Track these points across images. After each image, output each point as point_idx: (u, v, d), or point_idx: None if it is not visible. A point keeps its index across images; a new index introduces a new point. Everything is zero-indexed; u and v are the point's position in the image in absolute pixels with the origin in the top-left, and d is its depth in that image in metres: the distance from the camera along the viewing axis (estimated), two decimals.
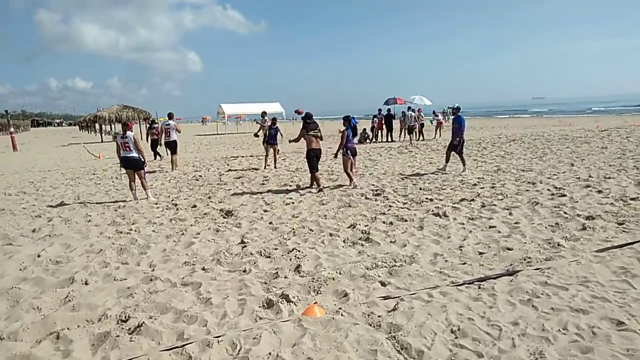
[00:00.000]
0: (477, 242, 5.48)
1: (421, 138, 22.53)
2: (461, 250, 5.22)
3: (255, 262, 5.07)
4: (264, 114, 16.48)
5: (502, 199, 7.71)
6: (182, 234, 6.41)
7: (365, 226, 6.32)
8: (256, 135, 15.36)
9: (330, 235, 6.01)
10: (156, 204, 8.62)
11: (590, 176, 9.43)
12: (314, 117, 9.73)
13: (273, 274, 4.72)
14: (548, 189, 8.32)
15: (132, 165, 8.78)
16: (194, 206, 8.27)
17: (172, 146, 14.04)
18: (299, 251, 5.33)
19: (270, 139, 13.68)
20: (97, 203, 9.03)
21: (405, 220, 6.61)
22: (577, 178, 9.32)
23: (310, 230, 6.30)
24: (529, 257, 4.81)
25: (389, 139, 22.66)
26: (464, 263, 4.81)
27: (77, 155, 21.24)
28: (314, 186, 9.68)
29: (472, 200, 7.78)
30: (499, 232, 5.84)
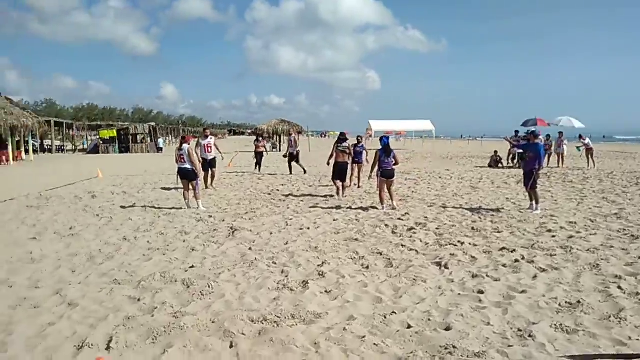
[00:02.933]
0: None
1: (560, 164, 18.98)
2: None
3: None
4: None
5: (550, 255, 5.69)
6: (191, 250, 6.02)
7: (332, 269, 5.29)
8: (285, 156, 16.05)
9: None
10: (198, 215, 8.58)
11: None
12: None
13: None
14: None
15: (186, 176, 9.16)
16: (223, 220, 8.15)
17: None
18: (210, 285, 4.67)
19: (356, 157, 13.11)
20: (155, 207, 9.60)
21: (390, 266, 5.31)
22: None
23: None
24: None
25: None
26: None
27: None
28: (342, 194, 10.78)
29: (513, 250, 5.93)
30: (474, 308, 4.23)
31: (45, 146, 37.26)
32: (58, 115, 74.20)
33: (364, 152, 13.22)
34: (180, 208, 9.18)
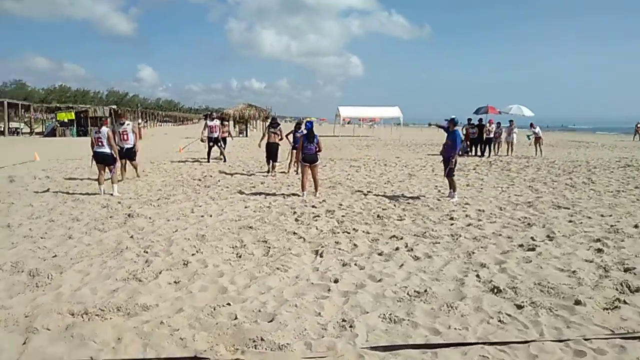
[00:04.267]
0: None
1: (509, 153, 19.32)
2: None
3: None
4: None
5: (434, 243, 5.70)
6: (68, 237, 5.81)
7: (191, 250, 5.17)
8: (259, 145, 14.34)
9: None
10: (108, 201, 8.37)
11: None
12: None
13: None
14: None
15: (104, 160, 8.92)
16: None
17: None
18: None
19: (296, 142, 12.99)
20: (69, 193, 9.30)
21: (265, 255, 5.22)
22: None
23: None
24: None
25: (478, 154, 19.71)
26: None
27: (172, 146, 22.97)
28: (271, 173, 12.17)
29: (401, 238, 5.92)
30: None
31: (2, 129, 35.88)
32: (28, 97, 71.60)
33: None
34: (95, 194, 8.90)
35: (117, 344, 3.04)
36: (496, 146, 20.05)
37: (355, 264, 4.87)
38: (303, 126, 10.12)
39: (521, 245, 5.74)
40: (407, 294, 4.11)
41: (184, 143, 25.92)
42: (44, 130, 37.11)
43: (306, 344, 3.12)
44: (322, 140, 9.24)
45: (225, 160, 15.44)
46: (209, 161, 15.25)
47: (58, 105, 40.78)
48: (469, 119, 20.99)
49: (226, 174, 12.48)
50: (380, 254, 5.27)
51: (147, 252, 5.16)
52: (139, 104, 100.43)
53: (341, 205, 8.19)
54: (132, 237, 5.80)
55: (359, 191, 9.82)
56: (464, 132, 20.52)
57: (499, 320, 3.59)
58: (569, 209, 8.13)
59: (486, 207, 8.20)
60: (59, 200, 8.31)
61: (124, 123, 10.61)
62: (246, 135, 40.81)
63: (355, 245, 5.61)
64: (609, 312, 3.79)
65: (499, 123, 20.23)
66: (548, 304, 3.91)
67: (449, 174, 9.12)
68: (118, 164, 9.50)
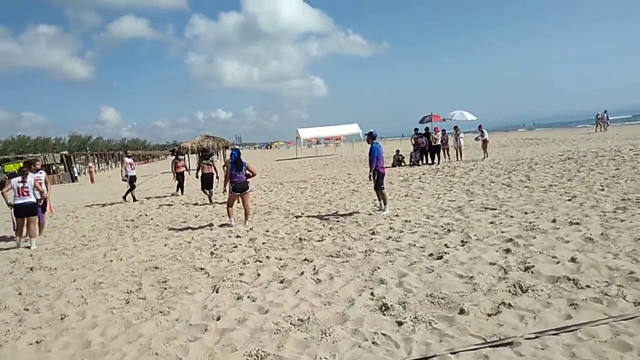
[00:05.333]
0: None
1: (458, 158, 19.60)
2: None
3: None
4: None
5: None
6: None
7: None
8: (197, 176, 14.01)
9: None
10: (20, 254, 7.91)
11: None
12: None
13: None
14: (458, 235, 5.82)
15: (28, 212, 8.33)
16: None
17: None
18: None
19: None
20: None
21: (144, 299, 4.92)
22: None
23: None
24: None
25: (428, 162, 19.87)
26: None
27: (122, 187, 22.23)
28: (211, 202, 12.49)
29: (311, 260, 5.71)
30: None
31: None
32: None
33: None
34: (10, 248, 8.39)
35: None
36: (446, 153, 20.28)
37: (249, 296, 4.63)
38: (228, 155, 9.91)
39: (431, 255, 5.62)
40: (290, 323, 3.89)
41: (138, 182, 25.30)
42: None
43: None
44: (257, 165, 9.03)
45: (182, 193, 15.28)
46: (134, 200, 14.70)
47: (6, 157, 39.41)
48: (416, 129, 21.25)
49: (167, 208, 12.10)
50: (282, 282, 5.05)
51: (27, 310, 4.79)
52: (104, 146, 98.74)
53: (267, 231, 7.95)
54: (19, 294, 5.41)
55: (294, 214, 9.63)
56: (413, 141, 20.78)
57: (373, 342, 3.40)
58: (495, 209, 8.14)
59: (414, 217, 8.12)
60: None
61: (37, 170, 9.81)
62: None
63: (258, 274, 5.37)
64: (489, 319, 3.65)
65: (444, 130, 20.54)
66: (430, 316, 3.76)
67: (376, 187, 9.05)
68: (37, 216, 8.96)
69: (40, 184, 8.95)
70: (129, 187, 14.62)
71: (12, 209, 8.40)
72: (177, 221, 10.07)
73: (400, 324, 3.69)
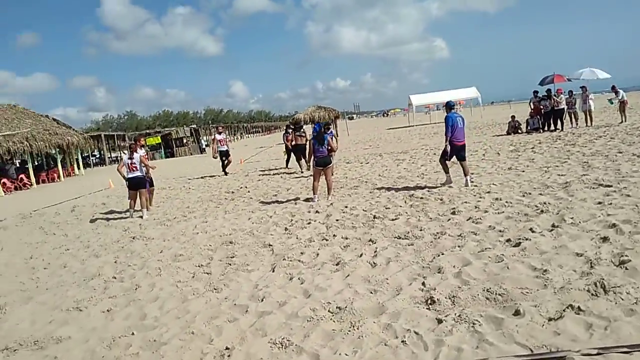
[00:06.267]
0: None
1: (588, 123, 17.06)
2: None
3: None
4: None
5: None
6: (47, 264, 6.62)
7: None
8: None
9: None
10: (134, 223, 9.01)
11: None
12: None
13: None
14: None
15: (138, 185, 9.42)
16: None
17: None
18: None
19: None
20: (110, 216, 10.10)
21: (193, 278, 5.20)
22: None
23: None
24: None
25: (550, 128, 17.71)
26: None
27: (241, 157, 23.93)
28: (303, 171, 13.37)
29: (374, 241, 5.52)
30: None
31: (103, 159, 40.41)
32: (138, 125, 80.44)
33: (333, 137, 12.98)
34: (130, 217, 9.55)
35: None
36: (572, 117, 17.84)
37: (299, 278, 4.62)
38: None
39: (508, 241, 5.01)
40: (328, 310, 3.79)
41: (253, 153, 27.03)
42: None
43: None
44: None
45: (303, 170, 13.89)
46: (225, 174, 15.46)
47: (147, 131, 44.77)
48: (535, 92, 18.98)
49: (267, 180, 12.69)
50: (337, 264, 4.94)
51: (114, 278, 5.41)
52: (234, 118, 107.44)
53: (346, 207, 7.86)
54: (115, 262, 6.13)
55: (381, 188, 9.38)
56: (532, 106, 18.68)
57: (402, 341, 3.15)
58: (610, 186, 6.96)
59: (507, 195, 7.32)
60: (92, 227, 9.07)
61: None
62: None
63: (317, 254, 5.33)
64: (547, 325, 3.13)
65: (571, 91, 17.99)
66: (478, 316, 3.35)
67: (441, 156, 8.87)
68: (151, 188, 10.04)
69: (146, 159, 9.82)
70: (222, 161, 15.50)
71: (126, 182, 9.51)
72: (270, 194, 10.48)
73: (439, 321, 3.36)
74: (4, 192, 20.60)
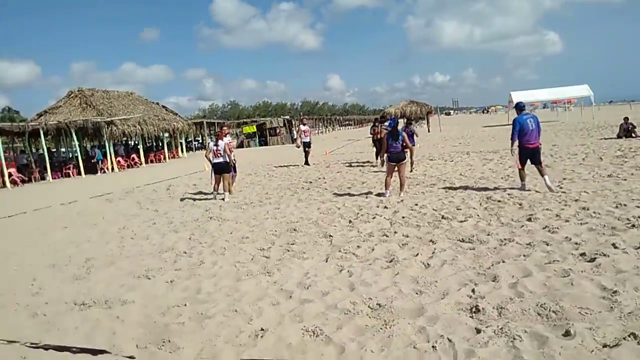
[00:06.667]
0: None
1: None
2: None
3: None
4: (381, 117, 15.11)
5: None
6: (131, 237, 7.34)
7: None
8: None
9: None
10: (216, 205, 9.65)
11: None
12: None
13: None
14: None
15: (221, 170, 10.12)
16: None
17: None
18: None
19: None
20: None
21: (251, 260, 5.42)
22: None
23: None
24: None
25: None
26: None
27: (327, 148, 24.39)
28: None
29: (436, 242, 5.37)
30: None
31: (204, 144, 43.46)
32: (240, 115, 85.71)
33: (414, 135, 12.75)
34: (210, 199, 10.26)
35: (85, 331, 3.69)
36: None
37: (348, 271, 4.65)
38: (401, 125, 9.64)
39: (583, 255, 4.56)
40: (369, 306, 3.79)
41: (340, 145, 27.33)
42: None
43: (203, 352, 3.24)
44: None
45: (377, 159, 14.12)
46: (308, 164, 15.73)
47: (245, 120, 47.25)
48: None
49: (345, 173, 12.82)
50: (390, 261, 4.89)
51: (185, 253, 5.88)
52: (328, 111, 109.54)
53: (416, 205, 7.69)
54: (189, 238, 6.65)
55: (457, 188, 9.02)
56: None
57: (432, 346, 3.06)
58: None
59: (596, 204, 6.63)
60: (180, 205, 9.90)
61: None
62: None
63: (373, 249, 5.31)
64: (598, 351, 2.83)
65: None
66: (522, 331, 3.13)
67: (532, 162, 8.21)
68: (232, 174, 10.66)
69: (230, 148, 10.37)
70: (306, 152, 15.84)
71: (212, 167, 10.20)
72: (344, 186, 10.57)
73: (478, 331, 3.19)
74: (119, 169, 23.21)
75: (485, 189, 8.70)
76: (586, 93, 37.65)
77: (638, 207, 6.30)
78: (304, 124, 16.60)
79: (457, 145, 20.21)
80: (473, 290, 3.91)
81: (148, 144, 32.07)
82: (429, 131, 38.86)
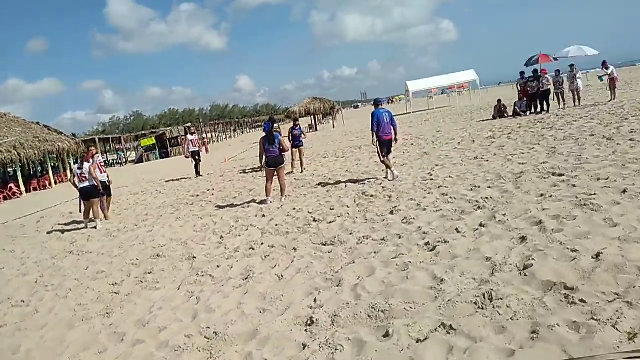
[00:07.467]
0: None
1: (576, 103, 16.47)
2: None
3: None
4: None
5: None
6: None
7: None
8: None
9: None
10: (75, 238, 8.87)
11: None
12: None
13: None
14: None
15: (89, 195, 9.13)
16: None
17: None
18: None
19: (295, 141, 12.60)
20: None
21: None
22: None
23: None
24: None
25: (537, 110, 17.11)
26: None
27: (225, 156, 23.76)
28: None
29: (272, 246, 5.25)
30: None
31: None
32: (145, 125, 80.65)
33: (302, 134, 12.72)
34: (82, 228, 9.36)
35: None
36: (559, 98, 17.25)
37: (197, 297, 4.39)
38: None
39: (427, 244, 4.71)
40: (205, 337, 3.53)
41: (242, 150, 26.81)
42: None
43: None
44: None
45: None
46: (198, 175, 15.22)
47: (143, 132, 44.80)
48: (522, 72, 18.39)
49: (237, 182, 12.44)
50: (246, 278, 4.69)
51: (23, 302, 5.23)
52: (239, 113, 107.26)
53: (294, 209, 7.62)
54: (36, 282, 5.97)
55: (338, 185, 9.16)
56: (519, 88, 18.13)
57: None
58: (562, 175, 6.61)
59: (456, 189, 7.01)
60: (44, 240, 8.89)
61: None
62: (316, 130, 40.96)
63: (231, 267, 5.09)
64: (406, 350, 2.83)
65: (557, 71, 17.40)
66: (344, 340, 3.06)
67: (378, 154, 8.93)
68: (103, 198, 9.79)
69: (95, 169, 9.42)
70: (194, 162, 15.31)
71: (79, 193, 9.32)
72: (230, 197, 10.24)
73: (304, 347, 3.10)
74: None
75: (365, 183, 8.87)
76: (473, 77, 40.55)
77: (490, 187, 6.73)
78: (192, 134, 15.97)
79: (353, 140, 20.69)
80: (315, 300, 3.84)
81: (32, 170, 29.08)
82: (333, 127, 39.66)
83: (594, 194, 5.31)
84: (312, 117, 43.31)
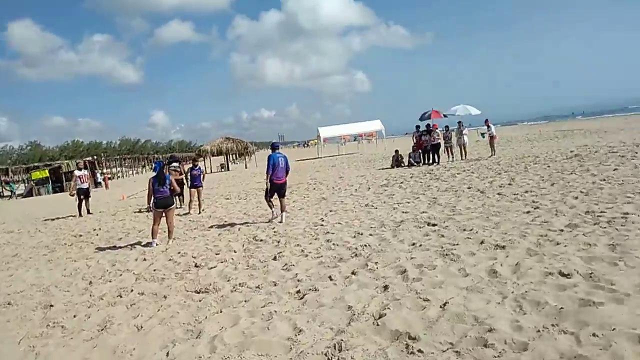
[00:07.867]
0: None
1: (463, 156, 18.11)
2: None
3: None
4: (171, 157, 14.30)
5: None
6: None
7: None
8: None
9: None
10: None
11: None
12: None
13: None
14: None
15: None
16: None
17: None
18: None
19: (194, 181, 12.23)
20: None
21: None
22: None
23: None
24: None
25: (430, 162, 18.43)
26: None
27: (123, 194, 22.36)
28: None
29: (139, 294, 4.96)
30: None
31: None
32: (42, 157, 72.93)
33: (202, 174, 12.46)
34: None
35: None
36: (449, 151, 18.86)
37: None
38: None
39: (298, 292, 4.72)
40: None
41: (143, 187, 25.47)
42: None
43: None
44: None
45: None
46: (80, 215, 14.06)
47: (36, 164, 41.12)
48: (417, 126, 19.93)
49: (129, 220, 11.69)
50: (102, 329, 4.31)
51: None
52: (152, 148, 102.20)
53: (178, 253, 7.30)
54: None
55: (232, 228, 8.98)
56: (414, 140, 19.52)
57: None
58: (435, 225, 7.09)
59: (341, 235, 7.20)
60: None
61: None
62: (227, 169, 40.41)
63: (87, 318, 4.67)
64: None
65: (447, 126, 19.13)
66: None
67: (265, 195, 9.36)
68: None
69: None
70: (78, 200, 14.28)
71: None
72: (115, 237, 9.60)
73: None
74: None
75: (258, 227, 8.81)
76: (379, 127, 43.03)
77: (371, 235, 7.02)
78: (79, 169, 14.88)
79: (260, 182, 20.65)
80: (168, 354, 3.64)
81: None
82: (246, 167, 39.51)
83: (457, 244, 5.77)
84: (225, 156, 42.92)
